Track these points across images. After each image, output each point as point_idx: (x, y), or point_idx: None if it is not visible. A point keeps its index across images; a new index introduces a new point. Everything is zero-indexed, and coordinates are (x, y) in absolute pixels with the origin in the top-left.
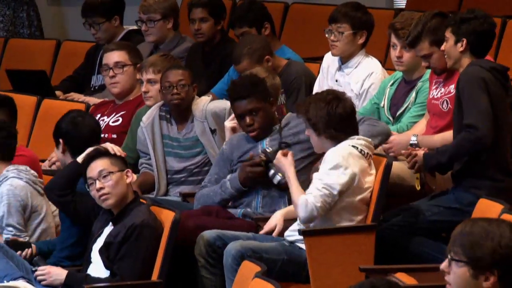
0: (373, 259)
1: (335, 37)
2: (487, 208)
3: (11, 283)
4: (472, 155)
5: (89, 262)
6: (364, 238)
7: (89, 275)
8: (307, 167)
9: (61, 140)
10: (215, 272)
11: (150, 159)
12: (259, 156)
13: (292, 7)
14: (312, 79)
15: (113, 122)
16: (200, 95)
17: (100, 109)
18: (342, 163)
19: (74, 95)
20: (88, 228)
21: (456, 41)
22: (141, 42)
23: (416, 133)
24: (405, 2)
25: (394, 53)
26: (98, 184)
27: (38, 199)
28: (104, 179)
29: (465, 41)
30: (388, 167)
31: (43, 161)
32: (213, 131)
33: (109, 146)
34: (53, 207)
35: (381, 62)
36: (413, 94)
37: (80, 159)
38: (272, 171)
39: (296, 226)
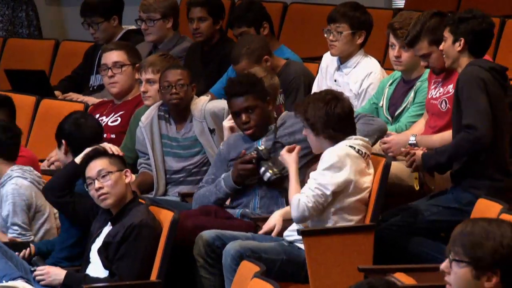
0: (372, 259)
1: (334, 37)
2: (486, 208)
3: (10, 283)
4: (471, 155)
5: (88, 262)
6: (363, 238)
7: (88, 275)
8: (303, 167)
9: (63, 141)
10: (214, 272)
11: (149, 159)
12: (250, 154)
13: (291, 7)
14: (311, 79)
15: (111, 122)
16: (199, 95)
17: (99, 109)
18: (337, 164)
19: (73, 95)
20: (87, 229)
21: (454, 40)
22: (140, 42)
23: (415, 133)
24: (404, 2)
25: (392, 53)
26: (97, 184)
27: (42, 199)
28: (103, 179)
29: (463, 41)
30: (387, 167)
31: (42, 161)
32: (212, 131)
33: (107, 146)
34: (55, 209)
35: (380, 62)
36: (412, 93)
37: (78, 159)
38: (262, 169)
39: (295, 226)
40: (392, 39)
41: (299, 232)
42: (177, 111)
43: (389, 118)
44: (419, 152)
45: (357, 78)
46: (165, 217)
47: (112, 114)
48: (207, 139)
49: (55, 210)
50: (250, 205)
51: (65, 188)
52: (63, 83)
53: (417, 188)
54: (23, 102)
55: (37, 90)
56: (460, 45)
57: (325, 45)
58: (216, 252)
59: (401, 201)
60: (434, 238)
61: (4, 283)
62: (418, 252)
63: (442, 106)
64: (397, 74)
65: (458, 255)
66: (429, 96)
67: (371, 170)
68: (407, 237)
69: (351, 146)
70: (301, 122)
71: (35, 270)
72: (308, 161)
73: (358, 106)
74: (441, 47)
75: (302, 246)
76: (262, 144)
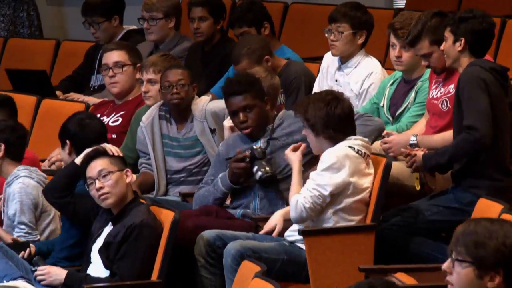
0: (373, 259)
1: (335, 37)
2: (487, 207)
3: (11, 283)
4: (472, 155)
5: (88, 262)
6: (363, 238)
7: (88, 275)
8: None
9: (68, 141)
10: (214, 272)
11: (149, 159)
12: (243, 152)
13: (292, 7)
14: (311, 79)
15: (112, 122)
16: (199, 95)
17: (100, 109)
18: (336, 164)
19: (74, 95)
20: (87, 229)
21: (454, 40)
22: (141, 42)
23: (416, 133)
24: (405, 2)
25: (393, 53)
26: (97, 184)
27: None
28: (104, 179)
29: (463, 41)
30: (388, 167)
31: (42, 161)
32: (212, 131)
33: (107, 146)
34: None
35: (380, 62)
36: (413, 93)
37: (78, 160)
38: (255, 168)
39: (296, 226)
40: (393, 39)
41: (300, 232)
42: (178, 111)
43: (390, 118)
44: (419, 153)
45: (358, 78)
46: (166, 217)
47: (113, 114)
48: (208, 139)
49: None
50: (250, 206)
51: (65, 188)
52: (64, 83)
53: (418, 188)
54: (24, 102)
55: (38, 90)
56: (460, 45)
57: (326, 45)
58: (217, 252)
59: (402, 201)
60: (435, 238)
61: (5, 283)
62: (418, 252)
63: (443, 106)
64: (398, 74)
65: (461, 255)
66: (430, 96)
67: (371, 170)
68: (408, 237)
69: (350, 147)
70: (299, 122)
71: (35, 270)
72: (308, 161)
73: (359, 106)
74: (441, 47)
75: (303, 246)
76: (260, 145)
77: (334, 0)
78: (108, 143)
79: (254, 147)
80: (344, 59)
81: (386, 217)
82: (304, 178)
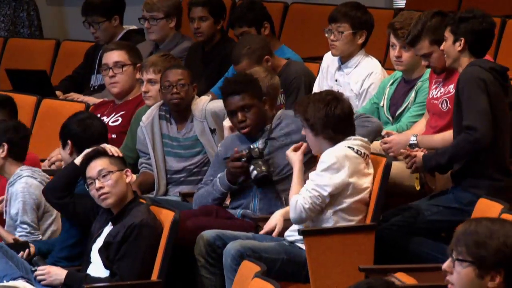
0: (373, 259)
1: (335, 37)
2: (487, 207)
3: (11, 283)
4: (472, 155)
5: (88, 262)
6: (363, 238)
7: (88, 274)
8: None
9: (69, 141)
10: (214, 272)
11: (149, 159)
12: (241, 152)
13: (292, 7)
14: (311, 79)
15: (112, 122)
16: (199, 95)
17: (100, 109)
18: (335, 165)
19: (74, 95)
20: (87, 229)
21: (454, 40)
22: (141, 42)
23: (416, 132)
24: (405, 2)
25: (393, 53)
26: (97, 184)
27: None
28: (104, 179)
29: (463, 41)
30: (388, 167)
31: (42, 160)
32: (212, 131)
33: (106, 147)
34: None
35: (380, 62)
36: (413, 93)
37: (78, 160)
38: (251, 167)
39: (296, 226)
40: (393, 39)
41: (300, 232)
42: (178, 111)
43: (390, 118)
44: (419, 154)
45: (358, 78)
46: (166, 217)
47: (113, 114)
48: (207, 139)
49: None
50: (250, 207)
51: (65, 189)
52: (64, 83)
53: (418, 188)
54: (24, 102)
55: (38, 90)
56: (460, 45)
57: (326, 45)
58: (217, 252)
59: (402, 201)
60: (435, 238)
61: (5, 283)
62: (418, 252)
63: (443, 106)
64: (398, 74)
65: (461, 255)
66: (430, 96)
67: (371, 170)
68: (408, 237)
69: (350, 147)
70: (297, 122)
71: (35, 270)
72: (307, 160)
73: (359, 106)
74: (442, 46)
75: (303, 246)
76: (258, 145)
77: (334, 0)
78: (108, 143)
79: (252, 146)
80: (344, 59)
81: (386, 217)
82: (304, 179)
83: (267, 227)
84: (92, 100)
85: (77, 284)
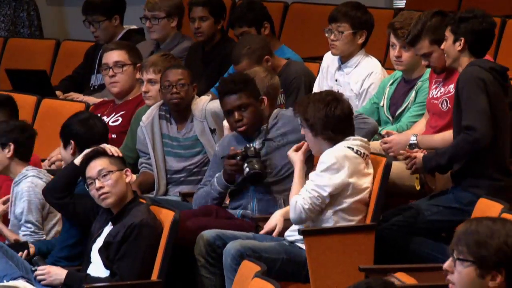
0: (373, 259)
1: (335, 37)
2: (487, 207)
3: (11, 283)
4: (472, 155)
5: (89, 261)
6: (363, 238)
7: (88, 274)
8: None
9: (72, 142)
10: (214, 272)
11: (149, 158)
12: (234, 150)
13: (292, 7)
14: (311, 79)
15: (112, 122)
16: (199, 95)
17: (100, 109)
18: (335, 165)
19: (74, 95)
20: (87, 229)
21: (454, 40)
22: (141, 41)
23: (416, 132)
24: (405, 2)
25: (393, 53)
26: (97, 184)
27: None
28: (104, 178)
29: (463, 40)
30: (388, 167)
31: (42, 160)
32: (212, 131)
33: (106, 146)
34: None
35: (380, 62)
36: (413, 93)
37: (77, 160)
38: (245, 165)
39: (296, 226)
40: (393, 39)
41: (300, 232)
42: (178, 110)
43: (390, 117)
44: (419, 155)
45: (358, 78)
46: (166, 217)
47: (113, 114)
48: (207, 139)
49: None
50: (248, 208)
51: (65, 189)
52: (64, 83)
53: (418, 188)
54: (24, 101)
55: (38, 89)
56: (460, 44)
57: (326, 45)
58: (216, 252)
59: (402, 201)
60: (435, 238)
61: (5, 283)
62: (418, 252)
63: (443, 105)
64: (398, 74)
65: (462, 254)
66: (430, 96)
67: (371, 170)
68: (408, 237)
69: (349, 147)
70: (293, 122)
71: (36, 270)
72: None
73: (359, 106)
74: (442, 46)
75: (303, 246)
76: (255, 145)
77: (334, 0)
78: (108, 143)
79: (248, 145)
80: (344, 59)
81: (386, 217)
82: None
83: (267, 227)
84: (92, 100)
85: (77, 284)
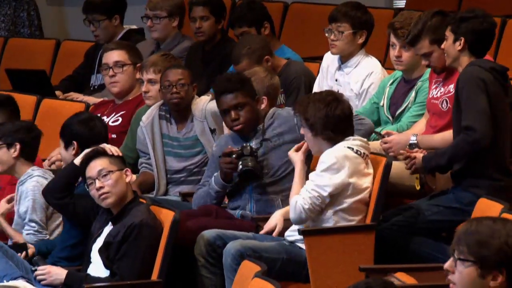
0: (373, 259)
1: (335, 37)
2: (487, 207)
3: (11, 283)
4: (471, 155)
5: (89, 261)
6: (363, 237)
7: (89, 274)
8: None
9: (75, 143)
10: (215, 272)
11: (149, 158)
12: (231, 148)
13: (292, 7)
14: (311, 78)
15: (112, 122)
16: (199, 95)
17: (100, 108)
18: (335, 165)
19: (74, 95)
20: (88, 230)
21: (454, 39)
22: (141, 41)
23: (416, 132)
24: (405, 1)
25: (393, 53)
26: (97, 183)
27: None
28: (104, 178)
29: (463, 40)
30: (388, 166)
31: (43, 160)
32: (212, 131)
33: (106, 146)
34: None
35: (380, 62)
36: (413, 93)
37: (77, 160)
38: (240, 163)
39: (296, 226)
40: (393, 39)
41: (300, 231)
42: (178, 110)
43: (390, 117)
44: (419, 155)
45: (358, 77)
46: (166, 216)
47: (113, 114)
48: (208, 139)
49: None
50: (247, 209)
51: (65, 189)
52: (64, 83)
53: (418, 188)
54: (24, 101)
55: (38, 89)
56: (460, 44)
57: (326, 44)
58: (217, 252)
59: (402, 201)
60: (435, 238)
61: (5, 283)
62: (419, 252)
63: (443, 105)
64: (398, 73)
65: (463, 254)
66: (430, 96)
67: (371, 170)
68: (408, 237)
69: (349, 147)
70: (289, 122)
71: (36, 270)
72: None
73: (359, 105)
74: (442, 45)
75: (303, 246)
76: (253, 145)
77: (334, 0)
78: (108, 143)
79: (245, 144)
80: (344, 59)
81: (386, 217)
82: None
83: (267, 227)
84: (92, 100)
85: (77, 284)
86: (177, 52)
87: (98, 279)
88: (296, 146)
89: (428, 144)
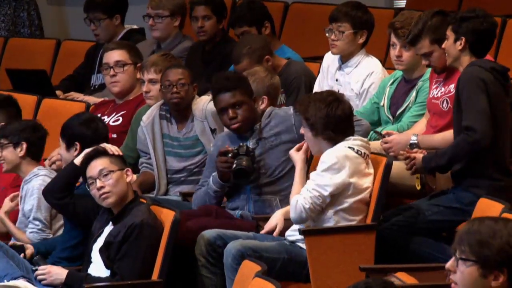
0: (373, 259)
1: (336, 37)
2: (488, 207)
3: (11, 283)
4: (472, 155)
5: (89, 261)
6: (364, 237)
7: (89, 274)
8: (292, 169)
9: (78, 143)
10: (215, 272)
11: (150, 158)
12: (226, 147)
13: (292, 7)
14: (312, 78)
15: (113, 122)
16: (200, 95)
17: (100, 108)
18: (336, 165)
19: (74, 95)
20: (88, 230)
21: (455, 39)
22: (141, 41)
23: (416, 132)
24: (405, 1)
25: (393, 52)
26: (98, 183)
27: None
28: (105, 178)
29: (463, 40)
30: (388, 166)
31: (44, 160)
32: (213, 131)
33: (106, 146)
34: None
35: (381, 62)
36: (413, 93)
37: (77, 160)
38: (235, 161)
39: (296, 225)
40: (393, 39)
41: (301, 231)
42: (178, 110)
43: (390, 117)
44: (419, 155)
45: (358, 77)
46: (166, 216)
47: (114, 114)
48: (208, 139)
49: None
50: (245, 209)
51: (65, 189)
52: (64, 83)
53: (418, 188)
54: (24, 101)
55: (38, 89)
56: (461, 44)
57: (327, 44)
58: (217, 252)
59: (402, 201)
60: (435, 237)
61: (6, 283)
62: (419, 252)
63: (444, 105)
64: (398, 73)
65: (465, 254)
66: (431, 96)
67: (371, 170)
68: (408, 236)
69: (350, 147)
70: (286, 122)
71: (36, 270)
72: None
73: (360, 105)
74: (443, 45)
75: (303, 245)
76: (250, 144)
77: (335, 0)
78: (108, 143)
79: (241, 144)
80: (344, 59)
81: (386, 216)
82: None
83: (267, 226)
84: (93, 99)
85: (77, 284)
86: (178, 52)
87: (99, 279)
88: (297, 146)
89: (428, 144)
